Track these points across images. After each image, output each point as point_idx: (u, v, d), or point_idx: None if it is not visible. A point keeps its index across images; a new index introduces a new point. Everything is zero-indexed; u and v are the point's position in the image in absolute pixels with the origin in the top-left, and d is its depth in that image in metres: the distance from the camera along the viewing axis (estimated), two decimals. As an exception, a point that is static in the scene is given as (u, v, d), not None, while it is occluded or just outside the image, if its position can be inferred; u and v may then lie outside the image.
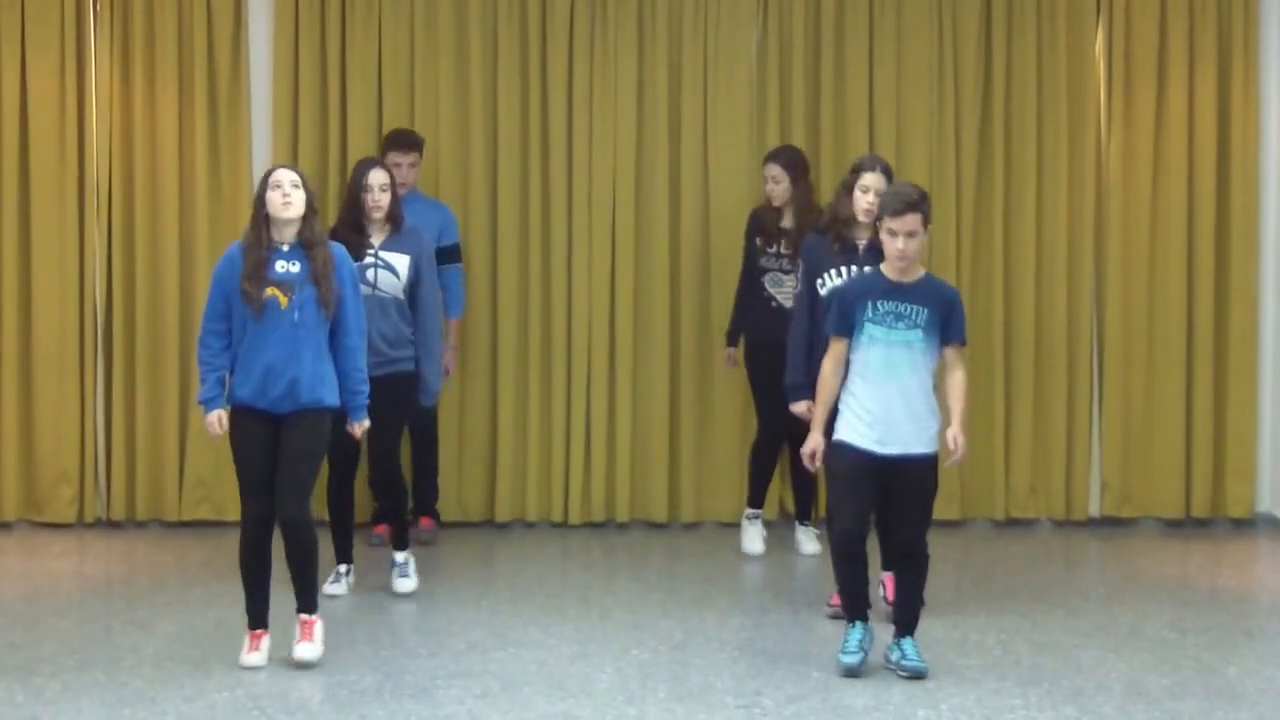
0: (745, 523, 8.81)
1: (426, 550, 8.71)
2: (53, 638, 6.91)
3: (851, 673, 6.29)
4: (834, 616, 7.06)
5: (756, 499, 8.83)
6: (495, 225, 9.43)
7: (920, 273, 6.36)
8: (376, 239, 7.60)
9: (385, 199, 7.58)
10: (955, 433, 6.31)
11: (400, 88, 9.38)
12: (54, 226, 9.24)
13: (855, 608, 6.42)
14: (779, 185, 8.70)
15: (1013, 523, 9.56)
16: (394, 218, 7.64)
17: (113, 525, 9.30)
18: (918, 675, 6.25)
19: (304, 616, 6.51)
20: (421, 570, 8.31)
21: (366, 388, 6.62)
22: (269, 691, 6.07)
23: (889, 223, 6.25)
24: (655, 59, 9.47)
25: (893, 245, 6.25)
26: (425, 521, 8.97)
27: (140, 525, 9.31)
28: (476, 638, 6.92)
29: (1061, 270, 9.54)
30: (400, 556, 7.84)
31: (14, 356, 9.26)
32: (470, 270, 9.34)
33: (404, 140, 8.74)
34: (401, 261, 7.58)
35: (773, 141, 9.37)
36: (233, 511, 9.20)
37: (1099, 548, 9.17)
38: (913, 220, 6.22)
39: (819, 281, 7.07)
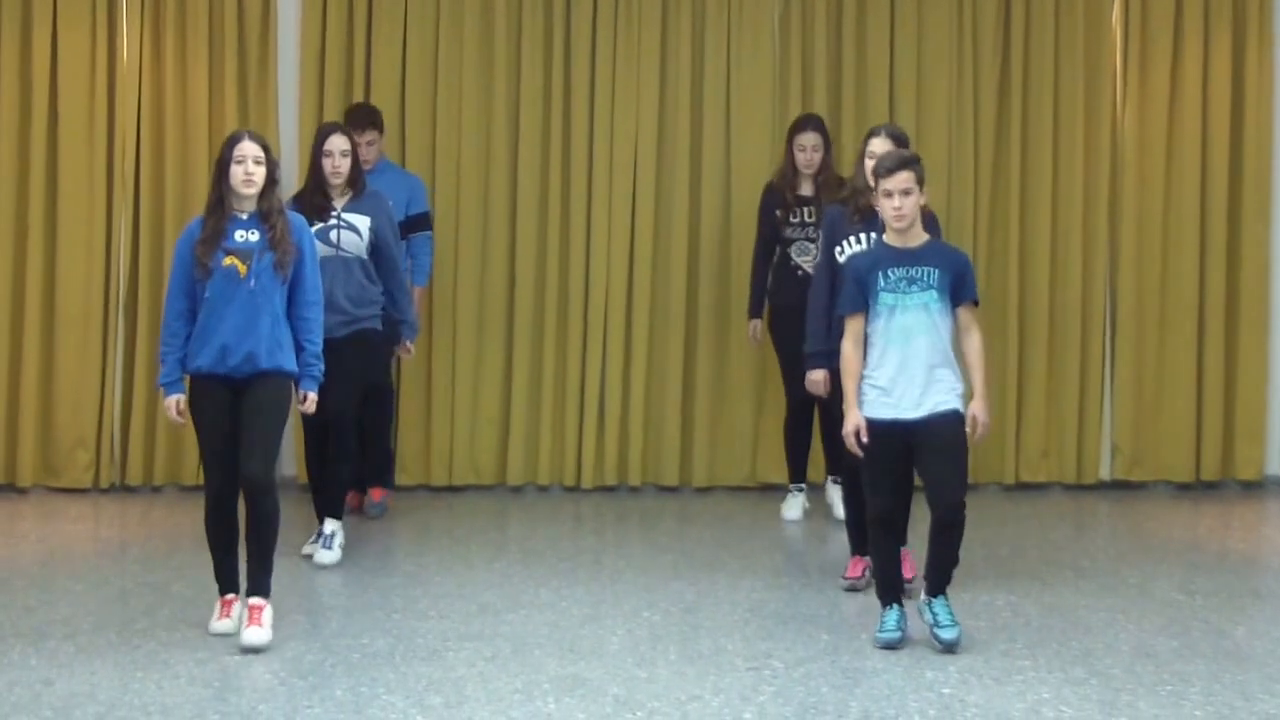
0: (789, 496, 8.81)
1: (440, 513, 8.74)
2: (67, 601, 6.94)
3: (892, 646, 6.23)
4: (850, 589, 7.07)
5: (798, 474, 8.80)
6: (515, 190, 9.47)
7: (924, 236, 6.35)
8: (339, 202, 7.70)
9: (345, 164, 7.65)
10: (977, 409, 6.23)
11: (425, 54, 9.43)
12: (82, 195, 9.30)
13: (893, 590, 6.33)
14: (817, 154, 8.65)
15: (1023, 486, 9.59)
16: (355, 182, 7.72)
17: (128, 490, 9.36)
18: (951, 644, 6.20)
19: (255, 600, 6.27)
20: (434, 533, 8.35)
21: (320, 363, 6.46)
22: (281, 655, 6.10)
23: (883, 184, 6.23)
24: (678, 29, 9.49)
25: (889, 205, 6.24)
26: (375, 492, 8.71)
27: (156, 489, 9.37)
28: (488, 600, 6.95)
29: (1076, 236, 9.55)
30: (329, 527, 7.69)
31: (37, 324, 9.32)
32: (489, 234, 9.42)
33: (360, 119, 8.54)
34: (363, 222, 7.66)
35: (795, 112, 9.33)
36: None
37: (1109, 511, 9.19)
38: (905, 178, 6.20)
39: (838, 249, 7.04)
